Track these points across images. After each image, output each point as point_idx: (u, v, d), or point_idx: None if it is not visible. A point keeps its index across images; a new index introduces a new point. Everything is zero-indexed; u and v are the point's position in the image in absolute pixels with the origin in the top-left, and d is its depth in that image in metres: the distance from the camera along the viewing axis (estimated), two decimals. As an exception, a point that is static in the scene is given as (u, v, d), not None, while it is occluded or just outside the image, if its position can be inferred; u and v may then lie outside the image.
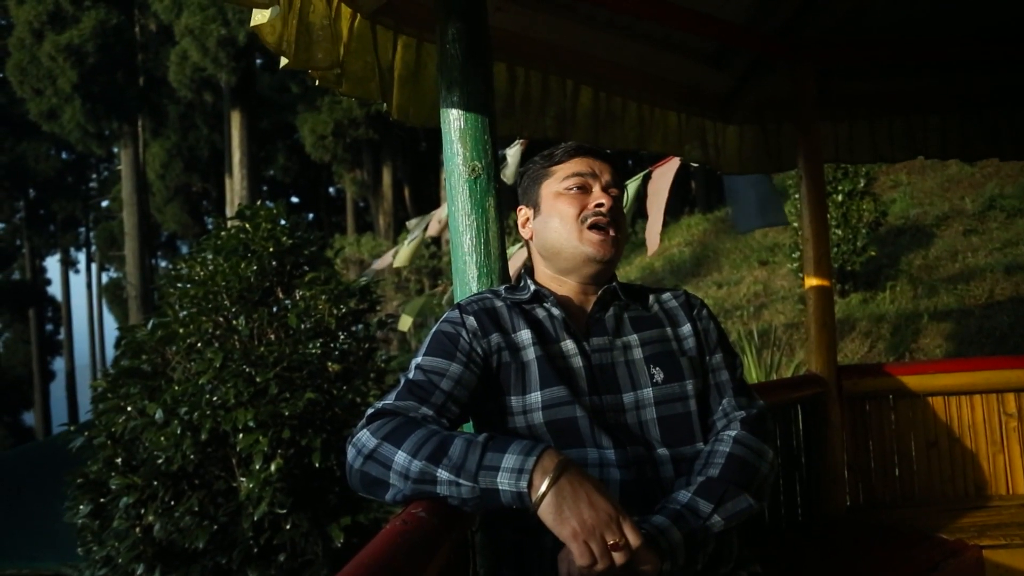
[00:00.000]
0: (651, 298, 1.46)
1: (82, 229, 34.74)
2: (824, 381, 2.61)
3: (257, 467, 3.13)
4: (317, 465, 3.17)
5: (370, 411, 1.22)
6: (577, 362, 1.32)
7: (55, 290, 35.79)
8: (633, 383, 1.33)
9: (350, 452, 1.18)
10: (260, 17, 1.48)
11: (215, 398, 3.19)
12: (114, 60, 21.62)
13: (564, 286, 1.40)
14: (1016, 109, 3.09)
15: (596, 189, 1.37)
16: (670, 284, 11.65)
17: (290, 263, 3.74)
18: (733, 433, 1.31)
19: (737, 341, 6.17)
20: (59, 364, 33.63)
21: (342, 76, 1.80)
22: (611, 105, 2.64)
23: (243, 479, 3.19)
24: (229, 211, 21.11)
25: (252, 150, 20.60)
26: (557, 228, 1.37)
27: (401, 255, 5.89)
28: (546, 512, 1.03)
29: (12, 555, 5.36)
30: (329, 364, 3.45)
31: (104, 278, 34.36)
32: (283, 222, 3.82)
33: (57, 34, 20.57)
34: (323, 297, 3.61)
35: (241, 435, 3.14)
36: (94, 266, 35.49)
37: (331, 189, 32.29)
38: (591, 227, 1.34)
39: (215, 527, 3.15)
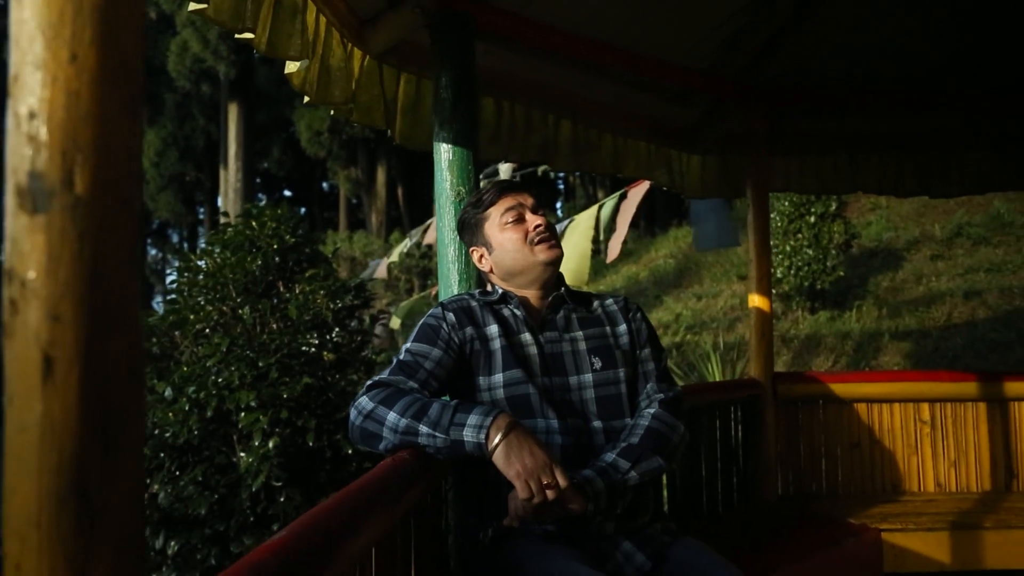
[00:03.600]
0: (595, 302, 1.82)
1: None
2: (761, 385, 2.98)
3: (256, 443, 3.45)
4: (311, 444, 3.50)
5: (368, 383, 1.57)
6: (533, 351, 1.68)
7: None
8: (577, 369, 1.68)
9: (352, 412, 1.52)
10: (292, 67, 1.83)
11: (220, 379, 3.52)
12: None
13: (523, 294, 1.76)
14: (945, 152, 3.48)
15: (528, 215, 1.71)
16: (653, 294, 12.03)
17: (292, 259, 4.08)
18: (652, 411, 1.66)
19: (708, 353, 6.55)
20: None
21: (353, 108, 2.15)
22: (589, 136, 3.00)
23: (243, 454, 3.52)
24: (222, 202, 21.39)
25: (248, 142, 20.88)
26: (512, 254, 1.70)
27: (396, 251, 6.34)
28: (498, 458, 1.39)
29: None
30: (325, 353, 3.79)
31: (95, 264, 34.44)
32: (286, 222, 4.16)
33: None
34: (321, 292, 3.95)
35: (243, 414, 3.47)
36: (85, 252, 35.55)
37: (324, 185, 32.56)
38: (538, 243, 1.70)
39: (215, 497, 3.48)
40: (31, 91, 0.49)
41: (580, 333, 1.73)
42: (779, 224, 7.98)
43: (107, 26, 0.50)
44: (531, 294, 1.76)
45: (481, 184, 1.90)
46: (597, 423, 1.65)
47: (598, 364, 1.69)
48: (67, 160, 0.48)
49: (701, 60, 2.92)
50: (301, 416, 3.53)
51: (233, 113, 20.44)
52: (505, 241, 1.71)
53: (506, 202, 1.72)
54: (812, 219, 7.76)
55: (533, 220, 1.71)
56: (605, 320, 1.78)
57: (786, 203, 7.84)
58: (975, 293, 7.58)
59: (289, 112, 23.46)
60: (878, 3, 2.86)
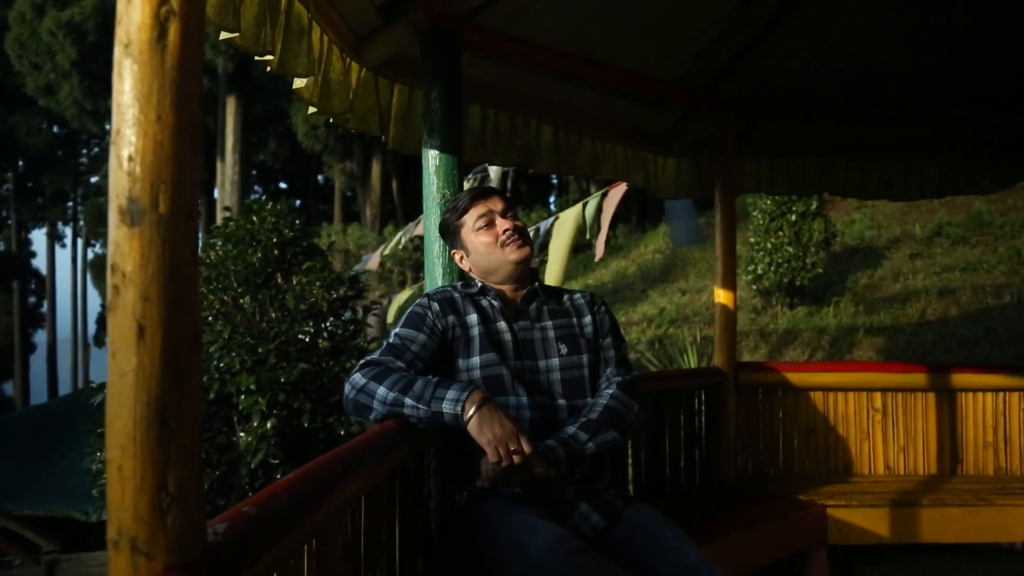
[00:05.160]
0: (565, 297, 2.05)
1: (70, 204, 34.90)
2: (723, 373, 3.22)
3: (255, 424, 3.68)
4: (306, 425, 3.73)
5: (362, 361, 1.79)
6: (507, 337, 1.90)
7: (40, 263, 35.92)
8: (546, 353, 1.91)
9: (346, 387, 1.75)
10: (300, 82, 2.05)
11: (222, 364, 3.74)
12: (113, 38, 21.90)
13: (499, 287, 1.98)
14: (907, 158, 3.71)
15: (497, 219, 1.93)
16: (640, 288, 12.26)
17: (290, 253, 4.29)
18: (610, 391, 1.89)
19: (685, 346, 6.79)
20: (40, 337, 33.85)
21: (351, 117, 2.36)
22: (569, 140, 3.21)
23: (242, 434, 3.75)
24: (219, 194, 21.53)
25: (245, 135, 21.02)
26: (486, 255, 1.93)
27: (389, 245, 6.58)
28: (472, 427, 1.61)
29: (28, 499, 5.95)
30: (320, 341, 4.01)
31: (90, 254, 34.56)
32: (285, 217, 4.37)
33: (58, 11, 20.89)
34: (317, 284, 4.17)
35: (243, 396, 3.69)
36: (80, 241, 35.67)
37: (320, 177, 32.67)
38: (507, 244, 1.91)
39: (217, 474, 3.70)
40: (129, 141, 0.71)
41: (549, 323, 1.95)
42: (761, 222, 8.23)
43: (180, 96, 0.72)
44: (507, 288, 1.98)
45: (465, 186, 2.11)
46: (562, 401, 1.87)
47: (564, 350, 1.92)
48: (154, 190, 0.71)
49: (674, 71, 3.14)
50: (297, 399, 3.75)
51: (231, 106, 20.57)
52: (479, 244, 1.93)
53: (477, 209, 1.94)
54: (793, 217, 8.00)
55: (502, 224, 1.92)
56: (572, 312, 2.01)
57: (768, 201, 8.08)
58: (949, 291, 7.84)
59: (286, 105, 23.59)
60: (842, 20, 3.09)
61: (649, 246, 15.95)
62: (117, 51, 0.72)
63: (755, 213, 8.43)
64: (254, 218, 4.29)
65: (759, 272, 8.25)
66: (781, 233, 8.00)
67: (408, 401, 1.65)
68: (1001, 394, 3.40)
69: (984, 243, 9.33)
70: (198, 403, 0.75)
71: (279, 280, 4.21)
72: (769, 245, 8.08)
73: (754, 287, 8.49)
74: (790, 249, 7.98)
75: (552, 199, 31.29)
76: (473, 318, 1.91)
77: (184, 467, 0.73)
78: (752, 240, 8.35)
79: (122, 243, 0.71)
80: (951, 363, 4.59)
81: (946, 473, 3.32)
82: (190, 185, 0.73)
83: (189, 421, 0.73)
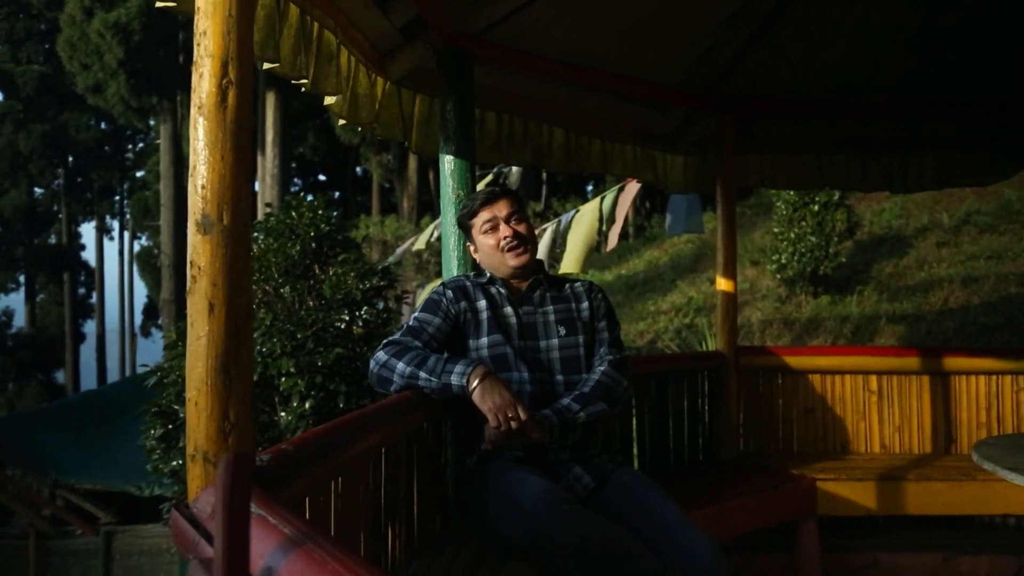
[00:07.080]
0: (566, 285, 2.31)
1: (117, 198, 36.02)
2: (725, 357, 3.45)
3: (295, 404, 4.01)
4: (342, 406, 4.05)
5: (385, 341, 2.09)
6: (512, 320, 2.18)
7: (89, 255, 37.17)
8: (547, 335, 2.18)
9: (372, 363, 2.04)
10: (330, 99, 2.34)
11: (264, 349, 4.07)
12: (157, 38, 22.58)
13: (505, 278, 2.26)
14: (905, 153, 3.88)
15: (501, 225, 2.19)
16: (669, 278, 12.42)
17: (327, 245, 4.62)
18: (602, 368, 2.15)
19: (705, 335, 7.00)
20: (90, 327, 35.09)
21: (377, 126, 2.65)
22: (579, 141, 3.45)
23: (283, 413, 4.09)
24: (259, 187, 22.12)
25: (284, 129, 21.52)
26: (489, 255, 2.20)
27: (421, 238, 6.88)
28: (476, 396, 1.89)
29: (87, 475, 6.47)
30: (354, 328, 4.33)
31: (136, 246, 35.66)
32: (322, 212, 4.70)
33: (106, 12, 21.60)
34: (352, 274, 4.49)
35: (283, 379, 4.02)
36: (127, 234, 36.80)
37: (358, 169, 33.18)
38: (507, 251, 2.18)
39: (259, 449, 4.05)
40: (202, 175, 1.00)
41: (551, 308, 2.22)
42: (784, 212, 8.36)
43: (236, 141, 1.01)
44: (512, 279, 2.25)
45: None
46: (560, 377, 2.15)
47: (563, 332, 2.19)
48: (219, 208, 1.00)
49: (674, 76, 3.37)
50: (333, 381, 4.08)
51: (270, 101, 21.07)
52: (483, 245, 2.21)
53: (485, 213, 2.20)
54: (816, 207, 8.13)
55: (504, 230, 2.18)
56: (572, 298, 2.28)
57: (791, 192, 8.21)
58: (973, 280, 7.90)
59: (323, 99, 24.02)
60: (832, 23, 3.29)
61: (682, 236, 16.07)
62: (193, 110, 1.01)
63: (779, 203, 8.57)
64: (293, 213, 4.63)
65: (783, 261, 8.40)
66: (804, 223, 8.14)
67: (422, 374, 1.94)
68: (994, 377, 3.58)
69: (1012, 231, 9.31)
70: (251, 359, 1.04)
71: (317, 271, 4.54)
72: (792, 235, 8.22)
73: (778, 276, 8.64)
74: (813, 239, 8.11)
75: (589, 188, 31.34)
76: (482, 304, 2.18)
77: (240, 404, 1.02)
78: (776, 230, 8.49)
79: (198, 245, 1.00)
80: (944, 347, 4.75)
81: (940, 452, 3.51)
82: (245, 204, 1.02)
83: (244, 371, 1.02)
